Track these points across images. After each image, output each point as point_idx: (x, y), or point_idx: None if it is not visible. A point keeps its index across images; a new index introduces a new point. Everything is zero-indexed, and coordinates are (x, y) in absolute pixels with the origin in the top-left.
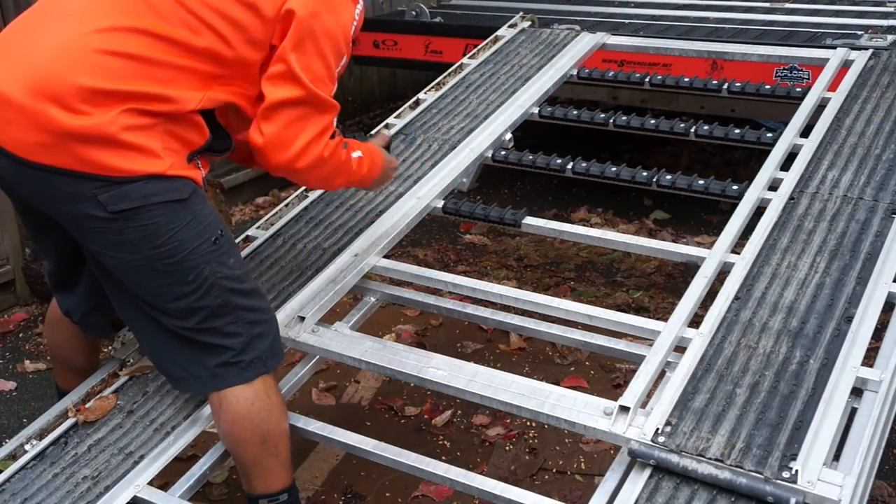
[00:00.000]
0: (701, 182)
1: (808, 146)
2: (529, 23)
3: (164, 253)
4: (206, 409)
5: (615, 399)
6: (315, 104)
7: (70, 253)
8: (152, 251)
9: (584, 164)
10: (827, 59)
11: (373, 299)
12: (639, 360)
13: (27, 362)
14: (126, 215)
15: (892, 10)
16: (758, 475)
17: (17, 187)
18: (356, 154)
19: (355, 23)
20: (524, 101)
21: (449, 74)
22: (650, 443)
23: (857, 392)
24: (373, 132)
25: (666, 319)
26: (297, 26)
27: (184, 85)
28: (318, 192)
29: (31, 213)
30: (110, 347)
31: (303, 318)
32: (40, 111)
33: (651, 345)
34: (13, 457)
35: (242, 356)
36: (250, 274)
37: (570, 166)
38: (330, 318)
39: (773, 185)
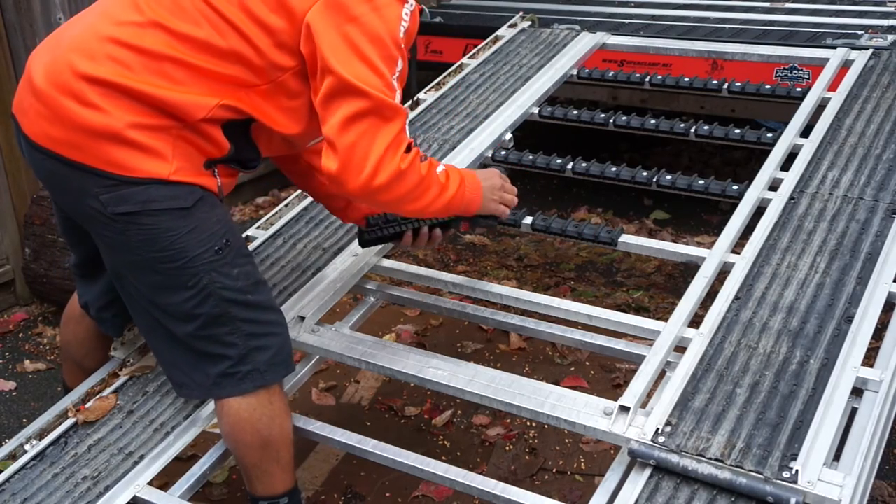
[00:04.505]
0: (701, 182)
1: (808, 146)
2: (529, 23)
3: (164, 257)
4: (206, 410)
5: (615, 399)
6: (379, 112)
7: (95, 246)
8: (153, 254)
9: (584, 164)
10: (827, 59)
11: (373, 299)
12: (639, 360)
13: (27, 362)
14: (126, 218)
15: (892, 10)
16: (758, 475)
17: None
18: (440, 168)
19: (404, 24)
20: (524, 101)
21: (449, 74)
22: (650, 443)
23: (857, 392)
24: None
25: (666, 319)
26: (328, 34)
27: (198, 89)
28: None
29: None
30: (111, 347)
31: (303, 318)
32: (53, 99)
33: (651, 345)
34: (13, 457)
35: (239, 367)
36: (262, 286)
37: (570, 166)
38: (330, 318)
39: (773, 185)
